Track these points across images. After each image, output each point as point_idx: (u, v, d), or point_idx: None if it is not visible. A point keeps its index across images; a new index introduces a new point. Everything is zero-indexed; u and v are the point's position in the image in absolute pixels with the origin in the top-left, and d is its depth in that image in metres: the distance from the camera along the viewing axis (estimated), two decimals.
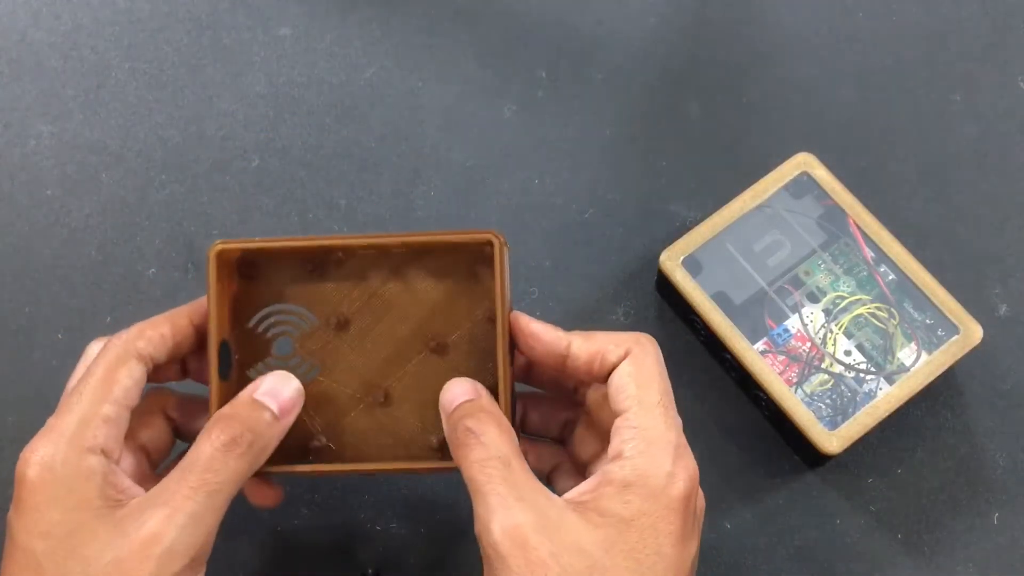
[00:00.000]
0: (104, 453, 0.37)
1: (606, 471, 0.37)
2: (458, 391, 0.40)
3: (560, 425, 0.45)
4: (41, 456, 0.36)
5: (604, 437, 0.40)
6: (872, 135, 0.57)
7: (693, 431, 0.39)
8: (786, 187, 0.52)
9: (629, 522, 0.35)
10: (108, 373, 0.38)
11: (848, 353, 0.49)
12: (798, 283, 0.50)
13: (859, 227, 0.51)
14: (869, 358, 0.49)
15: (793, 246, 0.51)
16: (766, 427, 0.52)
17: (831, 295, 0.50)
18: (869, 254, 0.50)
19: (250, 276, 0.43)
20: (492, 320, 0.42)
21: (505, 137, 0.58)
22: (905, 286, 0.50)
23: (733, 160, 0.57)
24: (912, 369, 0.48)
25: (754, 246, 0.51)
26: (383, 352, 0.43)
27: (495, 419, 0.38)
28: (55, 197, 0.57)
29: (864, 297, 0.50)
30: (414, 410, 0.43)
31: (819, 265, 0.50)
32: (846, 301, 0.50)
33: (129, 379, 0.38)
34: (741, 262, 0.51)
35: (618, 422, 0.38)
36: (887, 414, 0.48)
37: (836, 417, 0.48)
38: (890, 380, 0.48)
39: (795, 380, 0.48)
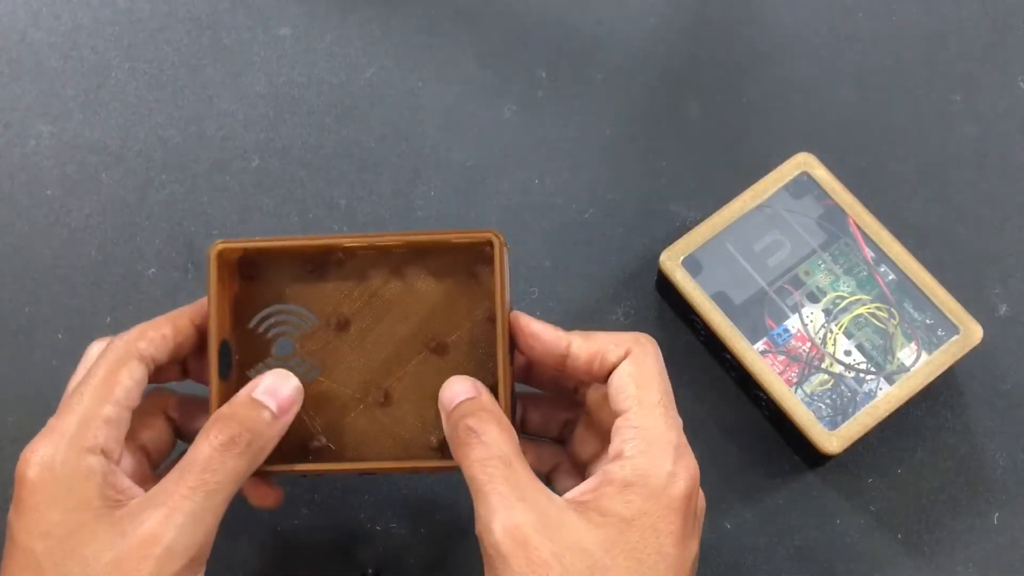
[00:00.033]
0: (104, 453, 0.37)
1: (607, 471, 0.37)
2: (458, 389, 0.40)
3: (560, 425, 0.45)
4: (41, 456, 0.36)
5: (604, 437, 0.40)
6: (872, 135, 0.57)
7: (693, 431, 0.39)
8: (786, 187, 0.52)
9: (630, 522, 0.35)
10: (109, 374, 0.38)
11: (848, 353, 0.49)
12: (798, 283, 0.50)
13: (859, 227, 0.51)
14: (869, 358, 0.49)
15: (793, 246, 0.51)
16: (766, 427, 0.52)
17: (831, 295, 0.50)
18: (869, 254, 0.50)
19: (250, 276, 0.43)
20: (492, 320, 0.42)
21: (505, 137, 0.58)
22: (905, 286, 0.50)
23: (733, 160, 0.57)
24: (912, 369, 0.48)
25: (754, 246, 0.51)
26: (383, 352, 0.43)
27: (496, 418, 0.38)
28: (55, 197, 0.57)
29: (864, 297, 0.50)
30: (414, 410, 0.43)
31: (819, 265, 0.50)
32: (846, 301, 0.50)
33: (130, 380, 0.38)
34: (741, 262, 0.51)
35: (618, 422, 0.38)
36: (887, 414, 0.48)
37: (836, 417, 0.48)
38: (890, 380, 0.48)
39: (795, 380, 0.48)
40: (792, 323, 0.49)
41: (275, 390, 0.40)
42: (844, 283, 0.50)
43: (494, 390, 0.40)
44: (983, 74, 0.58)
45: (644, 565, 0.35)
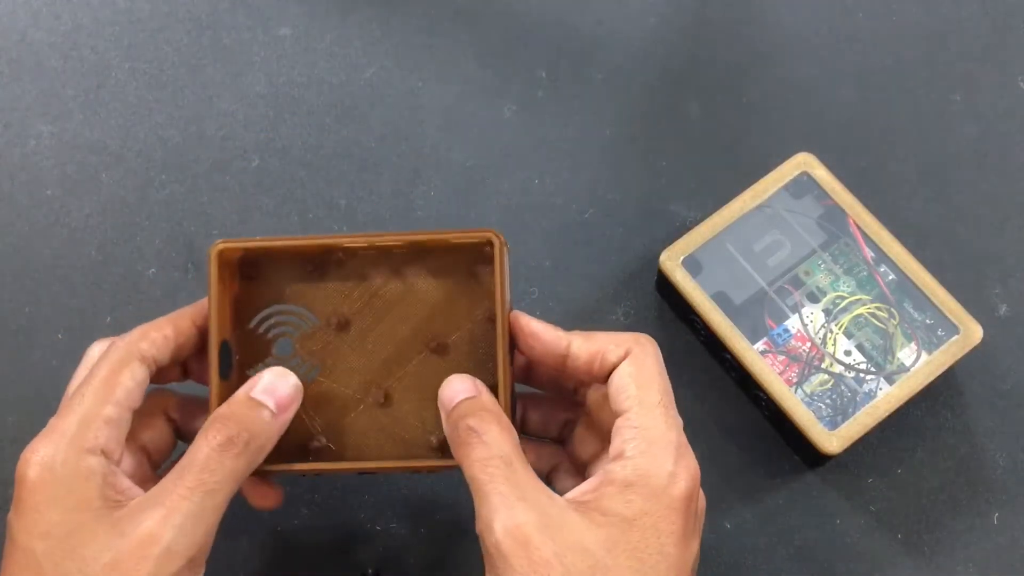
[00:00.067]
0: (104, 454, 0.37)
1: (608, 471, 0.37)
2: (458, 388, 0.40)
3: (559, 425, 0.45)
4: (41, 456, 0.36)
5: (604, 437, 0.40)
6: (872, 135, 0.57)
7: (693, 431, 0.39)
8: (786, 187, 0.52)
9: (631, 521, 0.35)
10: (111, 374, 0.38)
11: (848, 353, 0.49)
12: (798, 283, 0.50)
13: (859, 227, 0.51)
14: (869, 358, 0.49)
15: (793, 246, 0.51)
16: (766, 427, 0.52)
17: (831, 295, 0.50)
18: (869, 254, 0.50)
19: (251, 277, 0.43)
20: (492, 320, 0.42)
21: (505, 137, 0.58)
22: (905, 286, 0.50)
23: (733, 160, 0.57)
24: (912, 369, 0.48)
25: (754, 246, 0.51)
26: (383, 352, 0.43)
27: (496, 417, 0.38)
28: (55, 197, 0.57)
29: (864, 297, 0.50)
30: (414, 411, 0.43)
31: (819, 265, 0.50)
32: (846, 301, 0.50)
33: (132, 381, 0.38)
34: (741, 262, 0.51)
35: (619, 422, 0.38)
36: (887, 414, 0.48)
37: (836, 417, 0.48)
38: (890, 380, 0.48)
39: (795, 380, 0.48)
40: (792, 323, 0.49)
41: (273, 388, 0.40)
42: (844, 283, 0.50)
43: (494, 390, 0.40)
44: (983, 74, 0.58)
45: (646, 565, 0.35)
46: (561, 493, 0.37)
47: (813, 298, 0.50)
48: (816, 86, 0.58)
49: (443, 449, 0.42)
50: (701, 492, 0.38)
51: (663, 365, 0.39)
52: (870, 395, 0.48)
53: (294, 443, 0.42)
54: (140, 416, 0.40)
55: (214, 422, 0.38)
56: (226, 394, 0.40)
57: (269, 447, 0.39)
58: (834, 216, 0.51)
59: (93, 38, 0.60)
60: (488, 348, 0.42)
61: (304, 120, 0.58)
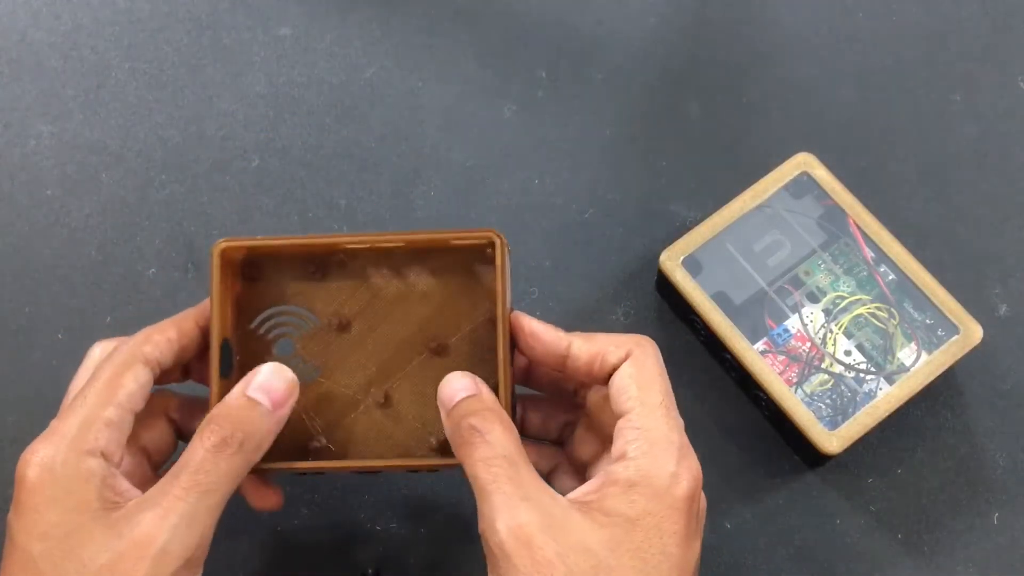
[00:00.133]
0: (104, 456, 0.37)
1: (610, 471, 0.37)
2: (457, 385, 0.40)
3: (559, 427, 0.45)
4: (41, 457, 0.36)
5: (605, 438, 0.40)
6: (872, 135, 0.57)
7: (693, 431, 0.39)
8: (786, 187, 0.52)
9: (634, 522, 0.35)
10: (114, 377, 0.38)
11: (848, 353, 0.49)
12: (798, 283, 0.50)
13: (859, 227, 0.51)
14: (869, 358, 0.49)
15: (793, 246, 0.51)
16: (766, 427, 0.52)
17: (831, 295, 0.50)
18: (869, 254, 0.50)
19: (252, 277, 0.43)
20: (492, 321, 0.42)
21: (505, 137, 0.58)
22: (905, 286, 0.50)
23: (733, 160, 0.57)
24: (912, 369, 0.48)
25: (754, 246, 0.51)
26: (384, 353, 0.43)
27: (499, 416, 0.38)
28: (55, 197, 0.57)
29: (864, 297, 0.50)
30: (414, 411, 0.43)
31: (819, 265, 0.50)
32: (846, 301, 0.50)
33: (134, 383, 0.38)
34: (741, 262, 0.51)
35: (620, 423, 0.38)
36: (887, 414, 0.48)
37: (836, 417, 0.48)
38: (890, 380, 0.48)
39: (795, 380, 0.48)
40: (792, 323, 0.49)
41: (268, 385, 0.39)
42: (844, 283, 0.50)
43: (495, 390, 0.40)
44: (983, 74, 0.58)
45: (648, 565, 0.35)
46: (561, 494, 0.37)
47: (813, 298, 0.50)
48: (816, 86, 0.58)
49: (443, 449, 0.42)
50: (702, 493, 0.38)
51: (663, 366, 0.39)
52: (870, 395, 0.48)
53: (294, 443, 0.42)
54: (140, 417, 0.40)
55: (209, 423, 0.38)
56: (226, 393, 0.40)
57: (266, 445, 0.39)
58: (834, 216, 0.51)
59: (93, 38, 0.60)
60: (489, 349, 0.42)
61: (304, 120, 0.58)
